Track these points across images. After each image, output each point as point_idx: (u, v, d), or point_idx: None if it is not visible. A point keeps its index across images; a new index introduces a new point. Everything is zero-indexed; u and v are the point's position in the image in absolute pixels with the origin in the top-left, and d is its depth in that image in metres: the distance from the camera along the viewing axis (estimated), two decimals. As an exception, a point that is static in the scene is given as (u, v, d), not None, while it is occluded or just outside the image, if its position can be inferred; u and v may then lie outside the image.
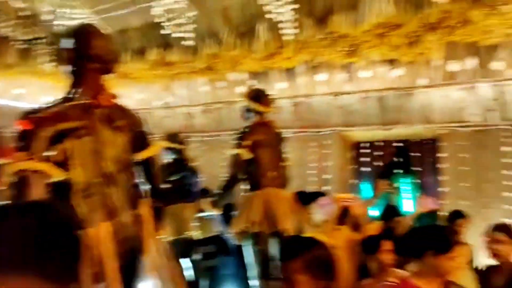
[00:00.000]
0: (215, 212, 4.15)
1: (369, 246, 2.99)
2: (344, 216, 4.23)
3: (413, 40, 4.55)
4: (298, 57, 5.19)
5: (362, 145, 5.87)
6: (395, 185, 4.06)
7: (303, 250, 1.67)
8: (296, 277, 1.62)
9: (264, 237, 3.22)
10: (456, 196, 5.09)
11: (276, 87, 6.11)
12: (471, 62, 4.99)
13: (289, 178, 3.67)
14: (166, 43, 5.19)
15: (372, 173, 5.70)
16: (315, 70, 5.89)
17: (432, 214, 4.54)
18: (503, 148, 4.97)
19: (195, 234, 4.23)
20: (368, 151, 5.77)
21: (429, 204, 3.69)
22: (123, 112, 2.13)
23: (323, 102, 5.95)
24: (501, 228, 3.07)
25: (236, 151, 3.34)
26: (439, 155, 5.37)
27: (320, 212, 3.73)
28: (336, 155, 5.95)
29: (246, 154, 3.32)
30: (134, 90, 6.49)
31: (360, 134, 5.86)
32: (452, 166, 5.24)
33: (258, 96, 3.55)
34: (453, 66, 5.08)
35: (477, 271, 3.28)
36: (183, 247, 4.02)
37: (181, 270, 3.52)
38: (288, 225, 3.24)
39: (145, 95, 6.88)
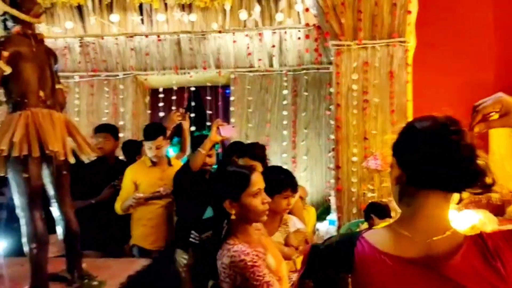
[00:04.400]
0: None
1: None
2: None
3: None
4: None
5: (157, 90, 5.76)
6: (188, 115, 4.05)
7: None
8: None
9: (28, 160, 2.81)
10: (242, 135, 5.45)
11: (64, 26, 5.57)
12: (257, 11, 5.35)
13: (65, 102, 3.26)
14: None
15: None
16: (107, 10, 5.55)
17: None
18: (284, 92, 5.51)
19: None
20: (163, 95, 5.70)
21: (229, 131, 3.59)
22: None
23: (116, 43, 5.60)
24: None
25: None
26: (231, 99, 5.65)
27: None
28: (131, 100, 5.72)
29: (4, 67, 2.81)
30: None
31: (156, 78, 5.75)
32: (240, 108, 5.58)
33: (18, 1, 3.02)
34: (242, 14, 5.35)
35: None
36: None
37: None
38: (59, 148, 2.87)
39: None
